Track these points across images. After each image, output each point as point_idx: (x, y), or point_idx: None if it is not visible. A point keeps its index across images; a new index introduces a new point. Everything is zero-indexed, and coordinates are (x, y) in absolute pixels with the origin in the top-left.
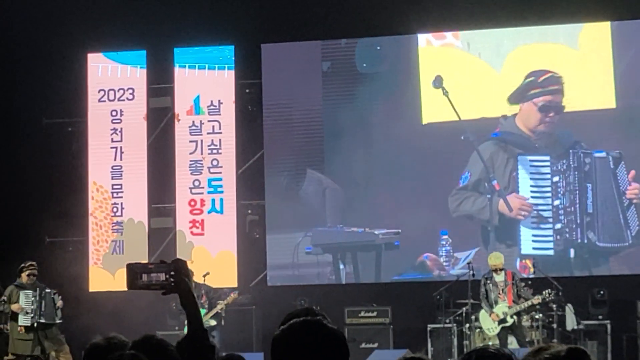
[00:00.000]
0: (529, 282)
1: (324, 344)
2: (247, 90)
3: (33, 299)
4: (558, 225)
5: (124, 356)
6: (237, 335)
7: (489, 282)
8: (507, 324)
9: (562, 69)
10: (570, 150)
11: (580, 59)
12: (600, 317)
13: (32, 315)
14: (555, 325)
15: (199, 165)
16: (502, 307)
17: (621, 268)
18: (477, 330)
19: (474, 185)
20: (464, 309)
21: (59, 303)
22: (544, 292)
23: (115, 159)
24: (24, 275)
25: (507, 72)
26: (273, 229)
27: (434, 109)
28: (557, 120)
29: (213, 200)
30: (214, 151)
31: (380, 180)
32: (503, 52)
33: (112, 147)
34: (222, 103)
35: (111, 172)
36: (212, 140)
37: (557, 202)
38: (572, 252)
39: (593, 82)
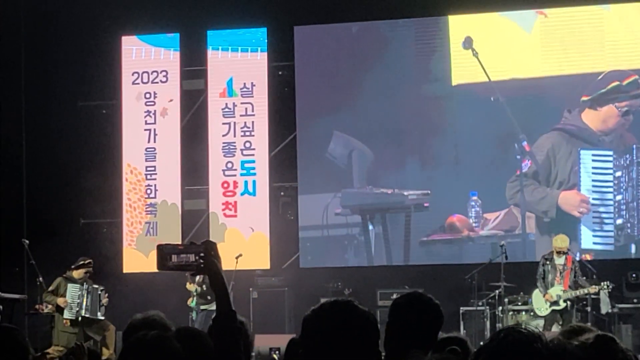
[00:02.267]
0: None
1: (354, 325)
2: (280, 73)
3: (80, 292)
4: (619, 221)
5: (147, 335)
6: (270, 316)
7: (548, 263)
8: (558, 308)
9: (595, 29)
10: (634, 146)
11: (612, 18)
12: (635, 300)
13: (77, 309)
14: (589, 309)
15: (232, 147)
16: (557, 290)
17: None
18: (510, 313)
19: (534, 175)
20: (497, 291)
21: (104, 300)
22: (602, 283)
23: (149, 141)
24: (80, 271)
25: (537, 33)
26: (304, 191)
27: (463, 70)
28: (632, 120)
29: (246, 182)
30: (247, 133)
31: (409, 142)
32: (533, 12)
33: (145, 129)
34: (254, 85)
35: (145, 154)
36: (245, 123)
37: (619, 197)
38: (633, 248)
39: (628, 40)
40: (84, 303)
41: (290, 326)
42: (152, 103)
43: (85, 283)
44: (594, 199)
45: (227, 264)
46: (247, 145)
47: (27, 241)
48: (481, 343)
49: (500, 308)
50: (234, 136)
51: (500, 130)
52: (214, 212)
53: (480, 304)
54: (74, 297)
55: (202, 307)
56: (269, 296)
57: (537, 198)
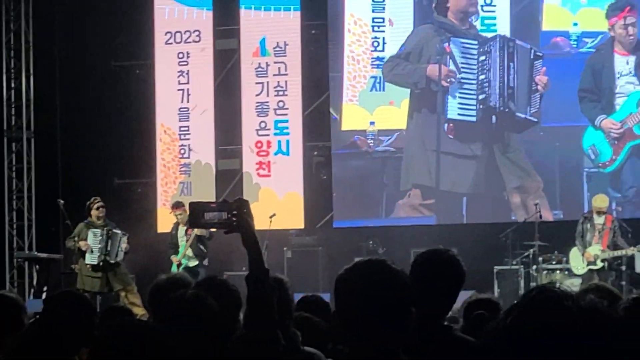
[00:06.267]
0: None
1: (387, 284)
2: (313, 32)
3: (101, 237)
4: (482, 96)
5: (185, 294)
6: (304, 276)
7: (587, 222)
8: (596, 267)
9: None
10: (497, 35)
11: None
12: None
13: (98, 254)
14: (624, 268)
15: (265, 107)
16: (595, 249)
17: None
18: (545, 272)
19: (406, 56)
20: (531, 250)
21: (124, 245)
22: None
23: (182, 101)
24: (93, 211)
25: None
26: None
27: None
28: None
29: (279, 142)
30: (280, 93)
31: None
32: None
33: (179, 90)
34: (287, 44)
35: (178, 114)
36: (278, 82)
37: (482, 77)
38: (493, 119)
39: None
40: (105, 247)
41: (324, 285)
42: (185, 63)
43: (105, 227)
44: (460, 77)
45: (261, 223)
46: (281, 104)
47: (62, 201)
48: (515, 302)
49: (534, 267)
50: (267, 96)
51: None
52: (248, 172)
53: (514, 262)
54: (94, 242)
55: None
56: (303, 256)
57: (407, 72)
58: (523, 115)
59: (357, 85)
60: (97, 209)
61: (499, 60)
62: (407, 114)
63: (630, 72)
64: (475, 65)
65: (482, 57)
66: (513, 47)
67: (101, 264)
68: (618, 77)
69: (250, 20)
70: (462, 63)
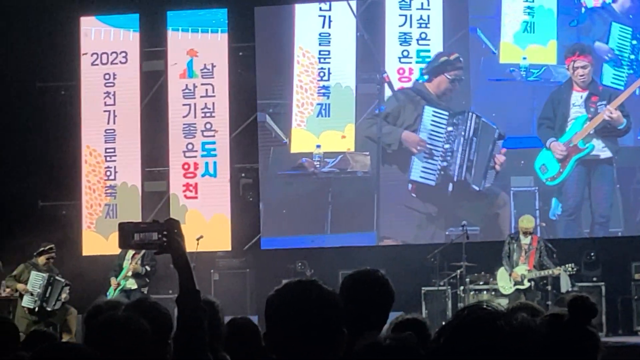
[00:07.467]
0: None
1: (318, 304)
2: (241, 54)
3: (42, 282)
4: (444, 164)
5: (117, 315)
6: (232, 298)
7: (514, 242)
8: (522, 287)
9: None
10: (467, 111)
11: None
12: (594, 279)
13: (35, 298)
14: (549, 288)
15: (192, 128)
16: (522, 269)
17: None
18: (472, 292)
19: (385, 116)
20: (458, 271)
21: (64, 295)
22: (566, 265)
23: (108, 123)
24: (42, 257)
25: None
26: None
27: None
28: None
29: (206, 163)
30: (208, 114)
31: None
32: None
33: (105, 111)
34: (215, 66)
35: (104, 135)
36: (206, 104)
37: (447, 146)
38: (450, 187)
39: None
40: (45, 293)
41: (252, 308)
42: (112, 84)
43: (50, 272)
44: (428, 144)
45: (188, 245)
46: (208, 126)
47: None
48: (443, 323)
49: (461, 288)
50: (195, 117)
51: None
52: (175, 194)
53: (442, 283)
54: (35, 286)
55: (129, 286)
56: (230, 278)
57: (384, 132)
58: (477, 188)
59: (304, 111)
60: (49, 259)
61: (465, 134)
62: (374, 164)
63: (582, 105)
64: (443, 134)
65: (450, 128)
66: (479, 123)
67: (37, 309)
68: (571, 107)
69: (177, 42)
70: (431, 131)
